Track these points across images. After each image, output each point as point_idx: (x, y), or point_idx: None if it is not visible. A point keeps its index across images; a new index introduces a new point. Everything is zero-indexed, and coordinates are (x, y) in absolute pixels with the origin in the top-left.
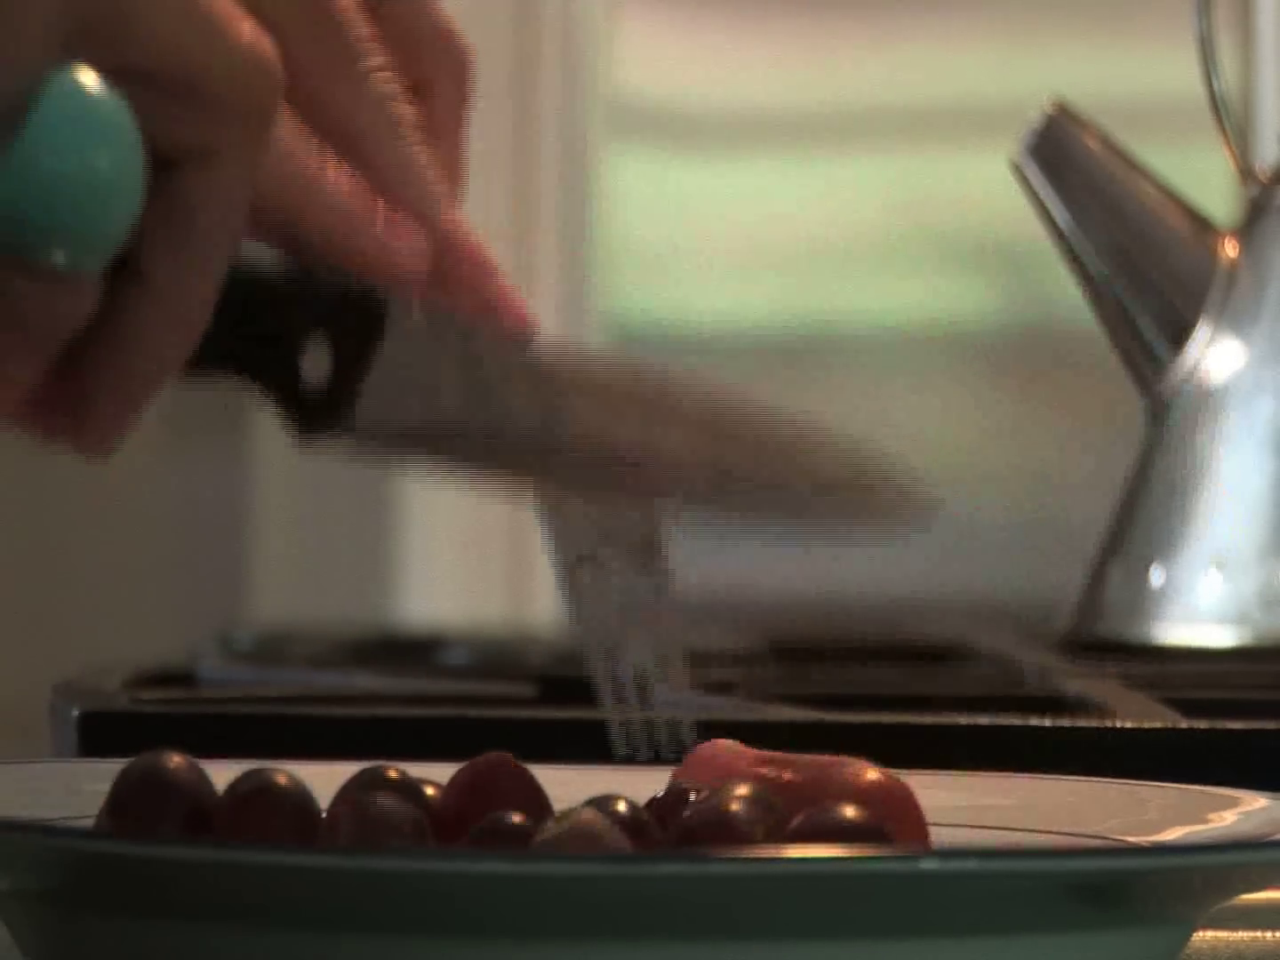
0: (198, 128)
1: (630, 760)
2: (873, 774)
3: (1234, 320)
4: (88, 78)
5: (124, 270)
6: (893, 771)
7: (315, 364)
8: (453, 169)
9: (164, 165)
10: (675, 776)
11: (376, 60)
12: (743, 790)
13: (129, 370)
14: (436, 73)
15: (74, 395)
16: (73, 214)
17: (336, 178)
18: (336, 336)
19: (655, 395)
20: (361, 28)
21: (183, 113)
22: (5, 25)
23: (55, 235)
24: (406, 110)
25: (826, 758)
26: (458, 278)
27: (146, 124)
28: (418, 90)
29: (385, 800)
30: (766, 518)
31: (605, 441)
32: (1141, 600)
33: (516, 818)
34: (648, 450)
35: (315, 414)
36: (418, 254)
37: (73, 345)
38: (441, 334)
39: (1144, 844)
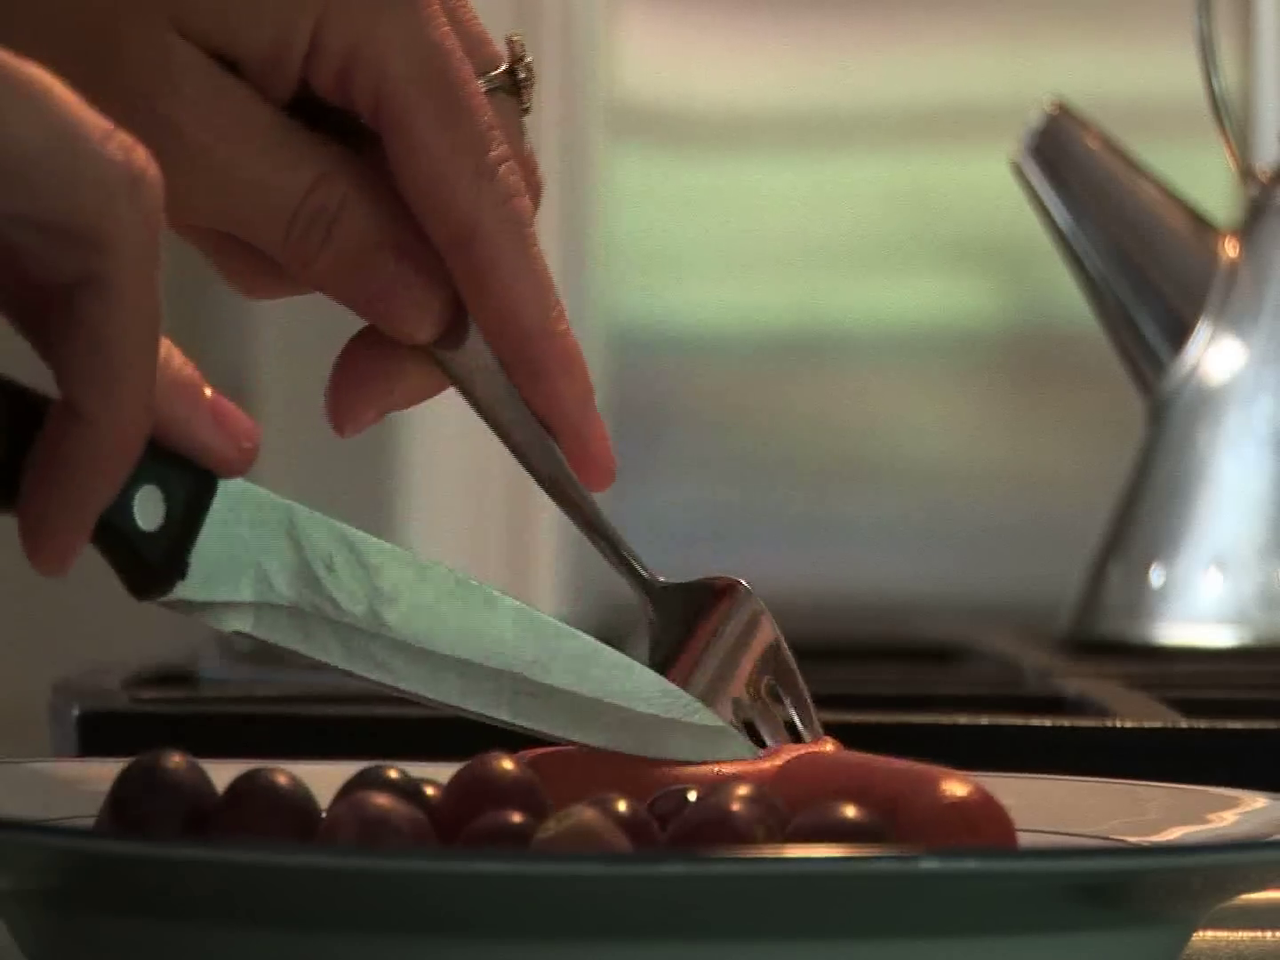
0: (84, 259)
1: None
2: (962, 790)
3: (1234, 320)
4: None
5: (59, 402)
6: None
7: (147, 515)
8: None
9: (67, 295)
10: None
11: (502, 149)
12: (743, 790)
13: (72, 497)
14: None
15: (27, 521)
16: None
17: (175, 364)
18: (168, 492)
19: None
20: (491, 115)
21: (64, 247)
22: None
23: None
24: (526, 207)
25: (917, 766)
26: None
27: (34, 258)
28: None
29: (385, 800)
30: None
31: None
32: (1141, 600)
33: (516, 818)
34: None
35: (146, 567)
36: (246, 448)
37: (20, 476)
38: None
39: (1144, 844)
